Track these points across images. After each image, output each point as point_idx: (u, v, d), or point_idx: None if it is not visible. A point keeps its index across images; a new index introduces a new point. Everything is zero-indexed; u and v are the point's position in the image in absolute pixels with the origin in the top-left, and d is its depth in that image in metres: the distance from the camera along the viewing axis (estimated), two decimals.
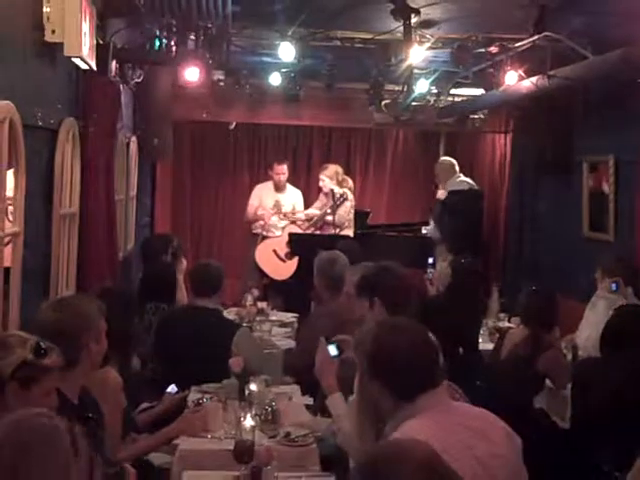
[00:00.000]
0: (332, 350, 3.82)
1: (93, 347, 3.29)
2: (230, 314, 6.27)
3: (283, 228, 9.26)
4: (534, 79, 7.13)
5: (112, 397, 3.55)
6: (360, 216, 9.42)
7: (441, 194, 9.16)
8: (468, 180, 9.32)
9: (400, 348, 2.68)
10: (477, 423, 2.61)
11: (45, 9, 4.26)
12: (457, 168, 9.31)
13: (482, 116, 10.13)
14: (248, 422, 3.57)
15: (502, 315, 7.01)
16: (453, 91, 9.25)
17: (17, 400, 2.63)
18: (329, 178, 9.24)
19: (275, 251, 9.13)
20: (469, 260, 6.34)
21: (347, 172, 10.05)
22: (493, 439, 2.57)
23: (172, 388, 4.54)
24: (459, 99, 9.59)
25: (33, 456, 2.08)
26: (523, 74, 7.25)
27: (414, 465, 1.81)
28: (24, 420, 2.16)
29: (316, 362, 3.83)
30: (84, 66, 4.96)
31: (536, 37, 6.07)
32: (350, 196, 9.23)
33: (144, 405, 4.45)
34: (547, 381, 4.90)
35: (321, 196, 9.46)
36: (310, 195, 9.99)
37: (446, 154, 10.47)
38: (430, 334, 2.80)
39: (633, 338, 4.26)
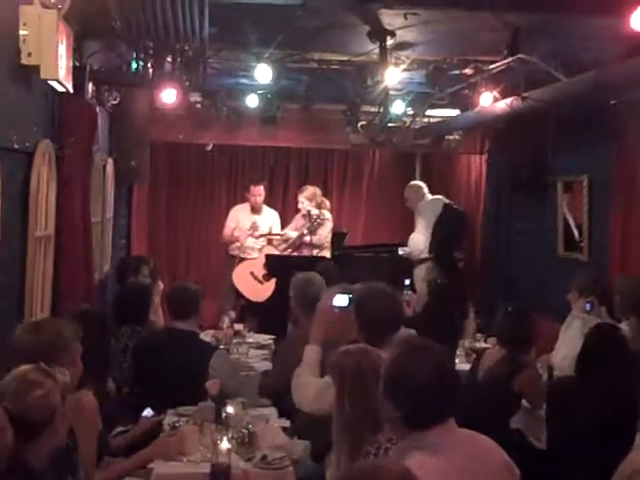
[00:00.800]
0: (342, 300, 3.91)
1: (69, 369, 3.27)
2: (207, 336, 6.24)
3: (260, 250, 9.26)
4: (508, 100, 7.21)
5: (87, 420, 3.53)
6: (337, 237, 9.44)
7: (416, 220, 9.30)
8: (436, 197, 9.33)
9: (427, 374, 2.56)
10: (484, 463, 2.59)
11: (21, 32, 4.27)
12: (426, 190, 9.31)
13: (457, 137, 10.19)
14: (224, 445, 3.57)
15: (479, 335, 7.03)
16: (429, 112, 9.31)
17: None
18: (308, 200, 9.24)
19: (252, 273, 9.12)
20: (445, 281, 6.37)
21: (324, 193, 10.06)
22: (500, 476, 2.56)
23: (148, 412, 4.51)
24: (435, 120, 9.66)
25: None
26: (498, 95, 7.33)
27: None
28: None
29: (318, 307, 3.95)
30: (61, 89, 4.96)
31: (510, 59, 6.13)
32: (329, 216, 9.25)
33: (119, 429, 4.43)
34: (523, 401, 4.92)
35: (297, 217, 9.46)
36: (287, 216, 10.00)
37: (422, 175, 10.55)
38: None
39: (608, 357, 4.29)
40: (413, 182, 9.68)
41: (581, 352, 4.41)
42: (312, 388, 3.81)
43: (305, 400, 3.85)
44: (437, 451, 2.52)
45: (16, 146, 4.38)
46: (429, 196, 9.27)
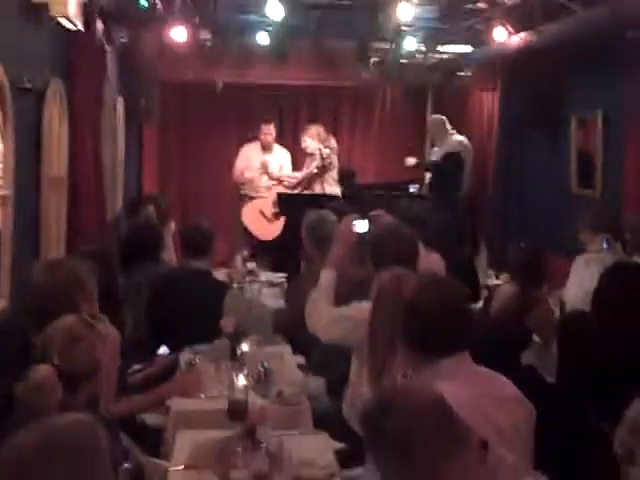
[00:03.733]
0: (362, 225, 3.98)
1: (85, 308, 3.30)
2: (220, 275, 6.26)
3: (270, 188, 9.25)
4: (522, 35, 7.11)
5: (110, 351, 3.57)
6: (346, 175, 9.39)
7: (436, 152, 9.25)
8: (463, 139, 9.35)
9: (442, 302, 2.68)
10: (500, 393, 2.63)
11: None
12: (449, 125, 9.34)
13: (470, 73, 10.08)
14: (241, 382, 3.60)
15: (490, 272, 7.04)
16: (441, 48, 9.20)
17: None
18: (311, 138, 9.21)
19: (262, 211, 9.13)
20: None
21: (334, 132, 10.01)
22: (515, 411, 2.61)
23: (163, 350, 4.56)
24: (446, 56, 9.54)
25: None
26: (512, 30, 7.23)
27: (424, 403, 1.86)
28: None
29: (337, 230, 4.00)
30: (70, 26, 4.92)
31: None
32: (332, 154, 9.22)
33: (135, 367, 4.48)
34: (535, 337, 4.94)
35: (307, 160, 9.42)
36: (298, 155, 9.96)
37: (434, 111, 10.44)
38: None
39: (628, 299, 4.23)
40: (436, 116, 9.61)
41: (599, 290, 4.36)
42: (325, 315, 3.87)
43: (318, 326, 3.91)
44: (455, 377, 2.57)
45: (27, 85, 4.36)
46: (453, 132, 9.33)
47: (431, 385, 2.16)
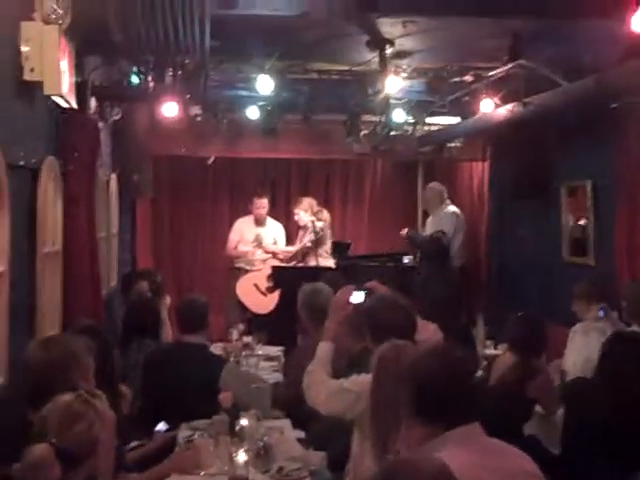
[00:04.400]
0: (358, 297, 3.96)
1: (82, 384, 3.25)
2: (217, 349, 6.23)
3: (264, 261, 9.24)
4: (509, 106, 7.21)
5: (108, 429, 3.51)
6: (340, 247, 9.42)
7: (429, 222, 9.31)
8: (456, 210, 9.41)
9: (448, 372, 2.64)
10: (513, 467, 2.58)
11: (23, 48, 4.26)
12: (446, 195, 9.43)
13: (459, 144, 10.20)
14: (241, 457, 3.55)
15: (489, 342, 7.02)
16: (430, 120, 9.32)
17: None
18: (304, 211, 9.26)
19: (256, 285, 9.11)
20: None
21: (326, 204, 10.08)
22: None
23: (162, 426, 4.49)
24: (436, 128, 9.66)
25: None
26: (499, 102, 7.33)
27: (429, 476, 1.83)
28: None
29: (332, 300, 3.97)
30: (64, 104, 4.96)
31: (510, 65, 6.15)
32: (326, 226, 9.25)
33: (133, 444, 4.40)
34: (537, 407, 4.89)
35: (300, 232, 9.45)
36: (291, 228, 10.00)
37: (425, 184, 10.53)
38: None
39: (628, 365, 4.20)
40: (434, 184, 9.68)
41: (601, 358, 4.34)
42: (325, 388, 3.82)
43: (317, 399, 3.86)
44: (464, 444, 2.53)
45: (22, 163, 4.38)
46: (449, 202, 9.41)
47: (435, 456, 2.11)
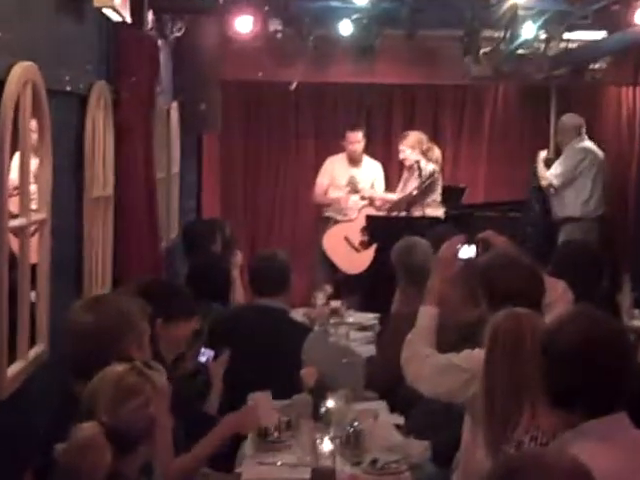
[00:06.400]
0: (468, 251, 3.97)
1: (137, 355, 3.33)
2: (298, 315, 6.29)
3: (359, 210, 9.25)
4: None
5: (163, 412, 3.59)
6: (452, 193, 9.36)
7: (555, 166, 9.25)
8: (588, 145, 9.26)
9: (593, 347, 2.61)
10: None
11: None
12: (584, 129, 9.37)
13: (604, 65, 9.98)
14: (326, 446, 3.60)
15: (636, 312, 6.92)
16: (567, 35, 9.14)
17: None
18: (411, 148, 9.20)
19: (347, 238, 9.14)
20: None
21: (435, 140, 10.00)
22: None
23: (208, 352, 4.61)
24: (575, 45, 9.47)
25: None
26: None
27: (562, 476, 1.83)
28: None
29: (437, 257, 4.12)
30: (116, 18, 5.02)
31: None
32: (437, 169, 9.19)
33: None
34: None
35: (405, 174, 9.42)
36: (390, 168, 9.97)
37: (558, 114, 10.35)
38: None
39: None
40: (571, 116, 9.61)
41: None
42: (428, 364, 3.81)
43: (419, 377, 3.86)
44: (608, 440, 2.51)
45: (67, 88, 4.46)
46: (584, 139, 9.34)
47: (571, 452, 2.10)
